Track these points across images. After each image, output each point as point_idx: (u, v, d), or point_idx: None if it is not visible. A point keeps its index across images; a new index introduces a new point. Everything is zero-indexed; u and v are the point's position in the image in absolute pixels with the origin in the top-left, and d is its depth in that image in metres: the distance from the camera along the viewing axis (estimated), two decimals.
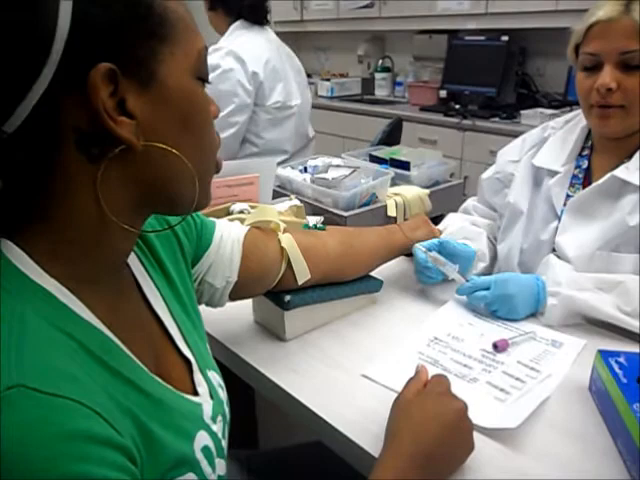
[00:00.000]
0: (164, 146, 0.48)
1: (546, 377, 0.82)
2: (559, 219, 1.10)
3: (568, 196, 1.10)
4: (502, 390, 0.79)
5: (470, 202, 1.35)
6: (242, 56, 1.75)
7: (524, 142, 1.22)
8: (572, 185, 1.11)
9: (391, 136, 2.42)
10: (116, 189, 0.48)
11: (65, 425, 0.38)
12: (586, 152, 1.12)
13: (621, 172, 1.02)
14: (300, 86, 1.96)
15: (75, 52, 0.42)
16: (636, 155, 1.02)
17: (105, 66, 0.43)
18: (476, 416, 0.68)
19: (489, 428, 0.71)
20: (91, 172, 0.46)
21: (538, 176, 1.17)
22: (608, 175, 1.03)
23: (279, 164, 1.54)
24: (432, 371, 0.71)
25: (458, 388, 0.70)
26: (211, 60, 1.68)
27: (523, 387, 0.80)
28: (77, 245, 0.49)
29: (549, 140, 1.17)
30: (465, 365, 0.86)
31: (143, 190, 0.50)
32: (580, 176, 1.11)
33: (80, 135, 0.45)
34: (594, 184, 1.06)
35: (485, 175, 1.30)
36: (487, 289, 0.98)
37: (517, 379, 0.82)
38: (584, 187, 1.08)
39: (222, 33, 1.88)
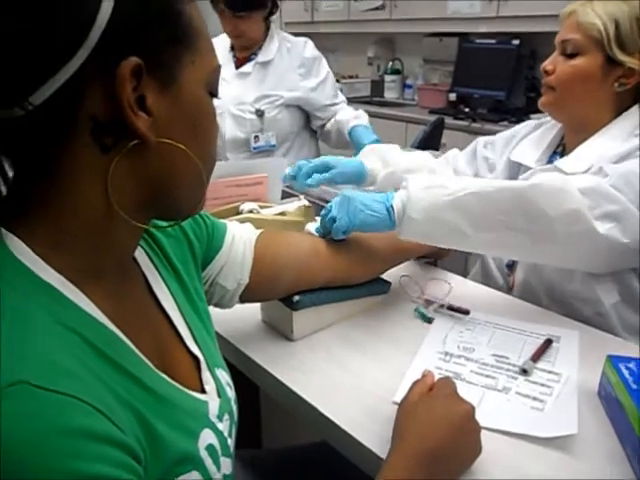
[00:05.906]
0: (177, 143, 0.49)
1: (566, 378, 0.82)
2: None
3: None
4: (535, 399, 0.78)
5: (453, 152, 1.35)
6: None
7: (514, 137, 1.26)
8: None
9: (432, 137, 2.35)
10: (123, 185, 0.48)
11: (62, 421, 0.38)
12: (560, 149, 1.16)
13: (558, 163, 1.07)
14: None
15: (110, 42, 0.43)
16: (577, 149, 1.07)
17: (135, 60, 0.44)
18: (529, 428, 0.70)
19: (550, 437, 0.70)
20: (101, 163, 0.47)
21: (513, 170, 1.20)
22: (543, 165, 1.11)
23: None
24: (458, 386, 0.70)
25: (495, 401, 0.74)
26: None
27: (552, 392, 0.79)
28: (80, 237, 0.48)
29: (527, 137, 1.21)
30: (488, 376, 0.84)
31: (148, 189, 0.50)
32: None
33: (96, 124, 0.45)
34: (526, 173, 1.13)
35: (495, 137, 1.29)
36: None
37: (542, 385, 0.81)
38: None
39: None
